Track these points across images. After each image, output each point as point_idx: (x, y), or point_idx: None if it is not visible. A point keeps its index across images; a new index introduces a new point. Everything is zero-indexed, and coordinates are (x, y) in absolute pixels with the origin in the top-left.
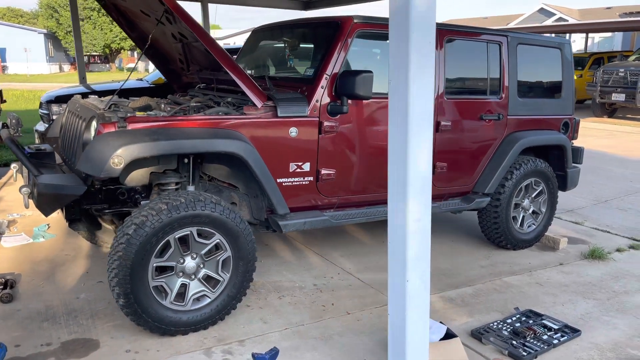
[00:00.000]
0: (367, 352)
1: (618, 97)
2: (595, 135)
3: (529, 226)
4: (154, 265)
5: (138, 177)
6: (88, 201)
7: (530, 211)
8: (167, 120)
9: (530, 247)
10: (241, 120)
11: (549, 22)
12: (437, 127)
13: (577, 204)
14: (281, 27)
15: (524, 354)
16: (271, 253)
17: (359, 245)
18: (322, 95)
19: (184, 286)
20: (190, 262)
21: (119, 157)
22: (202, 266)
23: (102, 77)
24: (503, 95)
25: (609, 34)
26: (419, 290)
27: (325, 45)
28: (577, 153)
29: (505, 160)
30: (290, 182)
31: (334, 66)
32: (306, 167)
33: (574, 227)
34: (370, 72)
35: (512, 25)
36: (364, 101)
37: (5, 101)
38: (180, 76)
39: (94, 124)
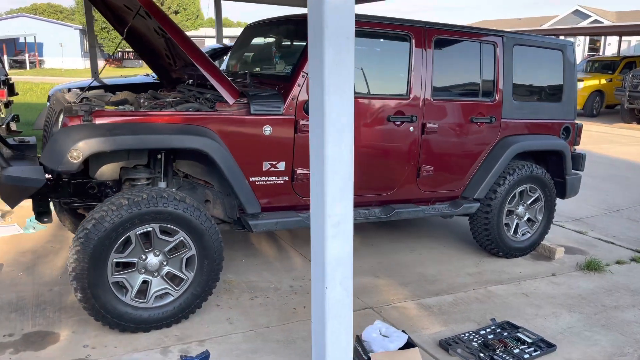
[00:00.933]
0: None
1: None
2: (620, 142)
3: (523, 234)
4: (114, 260)
5: (108, 171)
6: (56, 194)
7: (525, 218)
8: (134, 115)
9: (524, 255)
10: (212, 117)
11: (584, 24)
12: (422, 129)
13: (586, 212)
14: (270, 24)
15: None
16: (255, 252)
17: None
18: (298, 93)
19: (145, 283)
20: (152, 259)
21: (77, 150)
22: (165, 263)
23: (132, 73)
24: (497, 98)
25: None
26: (340, 297)
27: (305, 42)
28: (579, 159)
29: (497, 165)
30: (264, 181)
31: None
32: (281, 166)
33: (577, 237)
34: None
35: (545, 26)
36: None
37: (17, 94)
38: (168, 72)
39: (61, 116)
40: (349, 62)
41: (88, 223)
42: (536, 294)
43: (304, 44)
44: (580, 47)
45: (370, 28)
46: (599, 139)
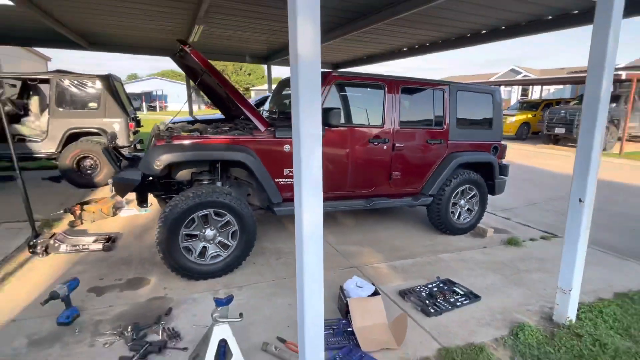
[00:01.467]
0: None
1: (560, 130)
2: (540, 157)
3: (464, 219)
4: (184, 233)
5: (184, 174)
6: (151, 189)
7: (466, 209)
8: (198, 138)
9: (465, 234)
10: (249, 139)
11: (518, 77)
12: (393, 147)
13: (512, 204)
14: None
15: (432, 311)
16: (286, 228)
17: (345, 227)
18: None
19: (204, 248)
20: (209, 232)
21: (160, 161)
22: (217, 235)
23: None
24: (445, 126)
25: (560, 86)
26: (313, 263)
27: None
28: (505, 168)
29: (444, 171)
30: (285, 182)
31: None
32: None
33: (504, 222)
34: (338, 108)
35: (492, 79)
36: (336, 127)
37: (142, 126)
38: (229, 111)
39: (153, 139)
40: (316, 100)
41: (167, 207)
42: (471, 260)
43: None
44: (515, 93)
45: (358, 81)
46: (526, 155)
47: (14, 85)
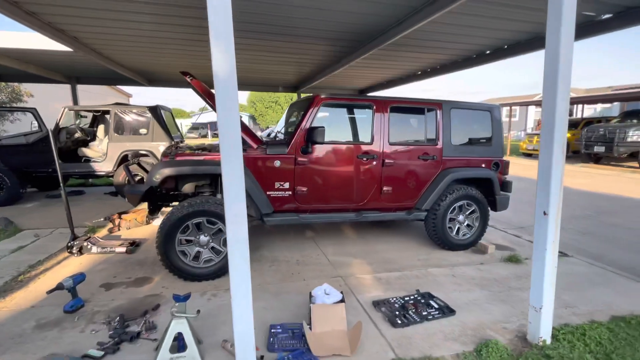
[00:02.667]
0: (296, 306)
1: (599, 149)
2: (575, 176)
3: (463, 235)
4: (179, 238)
5: (188, 187)
6: (160, 200)
7: (465, 224)
8: (199, 155)
9: (465, 250)
10: (246, 155)
11: None
12: (382, 163)
13: (529, 222)
14: (295, 103)
15: (399, 322)
16: (286, 239)
17: (345, 239)
18: (297, 141)
19: (199, 252)
20: (203, 238)
21: (159, 174)
22: (210, 241)
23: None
24: (439, 143)
25: (608, 105)
26: (240, 265)
27: (304, 111)
28: (507, 184)
29: (438, 187)
30: (276, 194)
31: (306, 124)
32: (286, 185)
33: (512, 239)
34: (322, 127)
35: (535, 99)
36: (322, 145)
37: None
38: None
39: (160, 156)
40: (234, 115)
41: (165, 215)
42: (462, 275)
43: (302, 114)
44: None
45: (345, 102)
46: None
47: (85, 116)
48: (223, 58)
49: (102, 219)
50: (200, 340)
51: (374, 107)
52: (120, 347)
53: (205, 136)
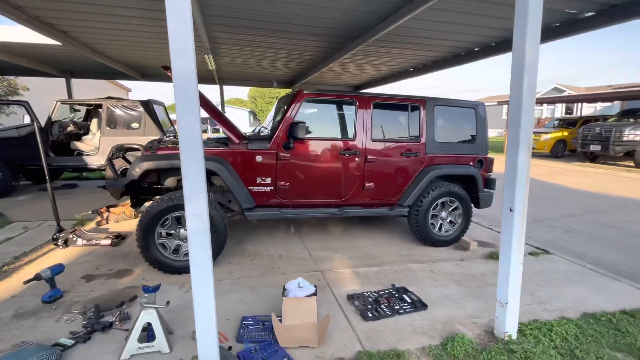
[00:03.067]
0: (272, 299)
1: (595, 147)
2: (571, 174)
3: (446, 231)
4: (159, 231)
5: (170, 182)
6: (143, 193)
7: (448, 221)
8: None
9: (447, 246)
10: (224, 150)
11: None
12: (365, 159)
13: None
14: (282, 98)
15: (370, 315)
16: (272, 235)
17: (330, 235)
18: (280, 137)
19: (178, 245)
20: (183, 231)
21: (138, 168)
22: None
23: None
24: (422, 140)
25: (608, 103)
26: (200, 256)
27: (287, 106)
28: (491, 182)
29: (420, 183)
30: (257, 189)
31: (289, 118)
32: (268, 180)
33: (496, 236)
34: (303, 122)
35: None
36: (304, 140)
37: None
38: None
39: (142, 150)
40: (194, 111)
41: (145, 209)
42: (440, 271)
43: (286, 107)
44: (559, 112)
45: (328, 98)
46: (554, 172)
47: (78, 110)
48: (182, 56)
49: (89, 212)
50: (172, 330)
51: (357, 104)
52: (92, 336)
53: (205, 131)
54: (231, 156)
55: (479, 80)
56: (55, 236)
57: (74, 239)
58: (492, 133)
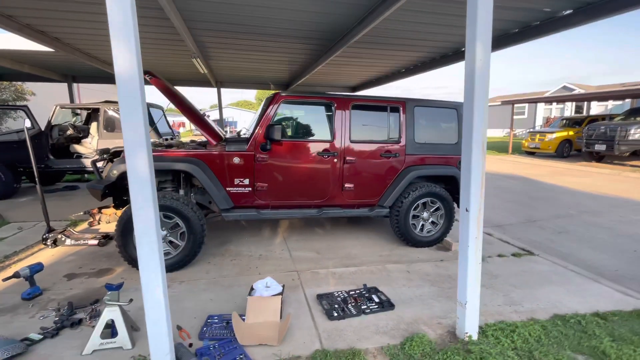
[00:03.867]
0: (243, 298)
1: (600, 147)
2: (573, 174)
3: (428, 232)
4: None
5: None
6: (125, 194)
7: (429, 221)
8: (160, 152)
9: (430, 246)
10: (202, 152)
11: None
12: (343, 160)
13: (509, 221)
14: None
15: (335, 314)
16: (257, 235)
17: (312, 235)
18: (257, 138)
19: None
20: (161, 232)
21: (116, 170)
22: (168, 235)
23: None
24: (402, 141)
25: (620, 102)
26: (148, 255)
27: (265, 108)
28: None
29: (400, 184)
30: (236, 190)
31: (265, 121)
32: (246, 181)
33: (483, 237)
34: (280, 124)
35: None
36: (281, 142)
37: None
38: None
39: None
40: (137, 111)
41: (124, 210)
42: (417, 272)
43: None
44: (568, 111)
45: (306, 99)
46: (557, 173)
47: (79, 114)
48: (124, 55)
49: (81, 213)
50: (137, 327)
51: (335, 105)
52: (60, 332)
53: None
54: (208, 158)
55: (492, 80)
56: (44, 236)
57: (63, 239)
58: (499, 133)
